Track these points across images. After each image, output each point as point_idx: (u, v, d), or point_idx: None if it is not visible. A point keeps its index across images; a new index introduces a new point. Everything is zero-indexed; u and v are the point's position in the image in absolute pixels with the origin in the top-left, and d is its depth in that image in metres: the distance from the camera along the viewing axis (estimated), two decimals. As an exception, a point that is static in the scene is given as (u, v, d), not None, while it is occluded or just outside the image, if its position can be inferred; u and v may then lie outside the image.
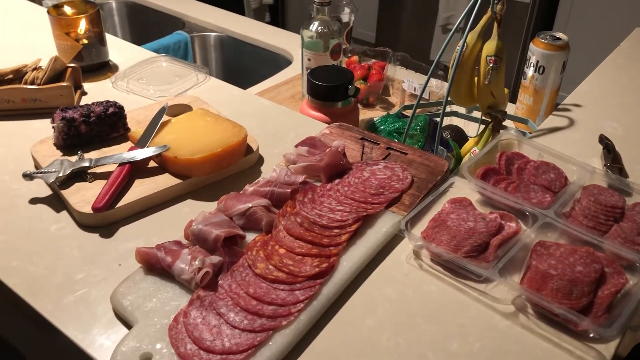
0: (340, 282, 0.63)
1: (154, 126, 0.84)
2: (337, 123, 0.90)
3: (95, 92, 1.01)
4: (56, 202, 0.76)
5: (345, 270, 0.64)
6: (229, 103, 0.96)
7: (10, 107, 0.92)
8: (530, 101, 1.14)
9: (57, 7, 1.04)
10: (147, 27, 2.05)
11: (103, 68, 1.08)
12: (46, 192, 0.78)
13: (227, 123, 0.85)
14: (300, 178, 0.75)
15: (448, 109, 1.14)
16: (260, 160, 0.85)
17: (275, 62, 1.78)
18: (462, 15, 0.90)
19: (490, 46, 0.93)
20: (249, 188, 0.74)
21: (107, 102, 0.84)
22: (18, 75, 0.94)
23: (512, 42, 2.78)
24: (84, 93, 1.00)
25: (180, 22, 1.96)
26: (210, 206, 0.75)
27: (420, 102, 1.22)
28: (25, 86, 0.91)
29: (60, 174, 0.74)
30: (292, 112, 1.01)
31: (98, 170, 0.78)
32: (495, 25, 0.94)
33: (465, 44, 0.94)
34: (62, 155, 0.81)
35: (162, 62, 1.09)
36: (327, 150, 0.79)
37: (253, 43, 1.85)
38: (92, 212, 0.71)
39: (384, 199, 0.73)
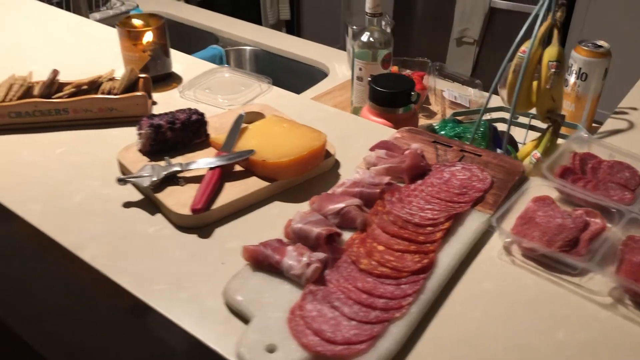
0: (442, 276, 0.65)
1: (236, 132, 0.86)
2: (406, 127, 0.93)
3: (164, 101, 1.04)
4: (149, 205, 0.78)
5: (445, 266, 0.67)
6: (295, 110, 0.99)
7: (88, 117, 0.95)
8: (573, 107, 1.18)
9: (125, 21, 1.07)
10: (180, 43, 2.10)
11: (167, 79, 1.11)
12: (136, 196, 0.80)
13: (304, 128, 0.87)
14: (386, 179, 0.77)
15: (491, 115, 1.17)
16: (336, 163, 0.87)
17: (310, 74, 1.81)
18: (526, 23, 0.93)
19: (551, 52, 0.96)
20: (338, 189, 0.76)
21: (189, 109, 0.87)
22: (93, 85, 0.97)
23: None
24: (154, 103, 1.03)
25: (213, 37, 2.01)
26: (298, 207, 0.78)
27: (471, 109, 1.25)
28: (103, 96, 0.94)
29: (154, 178, 0.77)
30: (355, 118, 1.04)
31: (187, 174, 0.80)
32: (555, 31, 0.97)
33: (528, 51, 0.97)
34: (149, 161, 0.84)
35: (225, 72, 1.12)
36: (407, 152, 0.82)
37: (287, 56, 1.89)
38: (190, 213, 0.73)
39: (469, 198, 0.76)
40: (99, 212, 0.77)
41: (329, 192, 0.77)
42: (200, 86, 1.07)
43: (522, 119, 1.20)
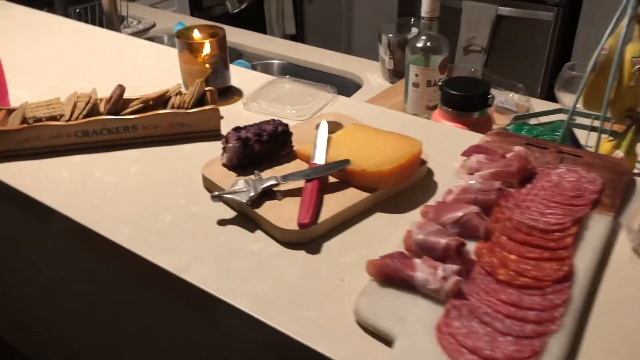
0: (584, 284, 0.61)
1: (323, 142, 0.82)
2: (494, 130, 0.89)
3: (230, 115, 0.99)
4: (245, 221, 0.74)
5: (584, 273, 0.62)
6: (367, 118, 0.95)
7: (157, 133, 0.91)
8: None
9: (184, 32, 1.03)
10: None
11: (227, 92, 1.06)
12: (228, 213, 0.75)
13: (394, 135, 0.83)
14: (497, 184, 0.73)
15: (550, 118, 1.14)
16: (429, 170, 0.83)
17: (344, 86, 1.78)
18: (614, 19, 0.91)
19: (634, 48, 0.93)
20: (448, 197, 0.72)
21: (273, 121, 0.83)
22: (161, 100, 0.93)
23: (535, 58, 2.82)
24: (221, 116, 0.98)
25: (236, 52, 1.97)
26: (403, 218, 0.74)
27: (529, 113, 1.22)
28: (174, 111, 0.90)
29: (252, 193, 0.73)
30: (431, 123, 1.00)
31: (281, 188, 0.76)
32: (637, 27, 0.94)
33: (609, 48, 0.94)
34: (237, 176, 0.79)
35: (285, 83, 1.08)
36: (510, 155, 0.78)
37: (317, 68, 1.86)
38: (297, 228, 0.69)
39: (587, 201, 0.72)
40: (194, 232, 0.72)
41: (439, 200, 0.73)
42: (265, 98, 1.03)
43: (580, 120, 1.18)
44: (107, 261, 0.80)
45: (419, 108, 1.25)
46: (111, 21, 1.45)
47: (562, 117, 1.17)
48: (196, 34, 1.03)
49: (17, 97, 1.04)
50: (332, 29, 3.86)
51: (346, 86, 1.77)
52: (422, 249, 0.64)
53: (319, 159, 0.79)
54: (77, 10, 1.92)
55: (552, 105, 1.42)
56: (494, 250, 0.65)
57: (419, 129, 0.96)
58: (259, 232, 0.72)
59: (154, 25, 2.09)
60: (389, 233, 0.71)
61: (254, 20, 3.67)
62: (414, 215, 0.74)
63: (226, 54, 1.04)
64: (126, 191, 0.81)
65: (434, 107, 1.25)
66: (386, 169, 0.75)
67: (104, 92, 0.94)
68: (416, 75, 1.22)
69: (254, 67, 1.89)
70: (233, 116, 0.99)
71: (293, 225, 0.69)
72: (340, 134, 0.86)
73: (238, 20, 3.28)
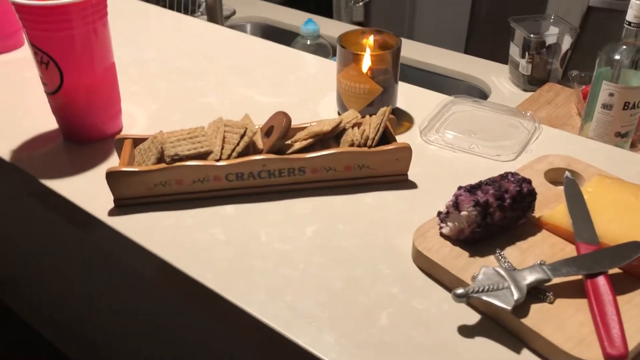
0: None
1: (583, 208, 0.59)
2: None
3: (406, 149, 0.76)
4: (499, 333, 0.51)
5: None
6: (593, 161, 0.71)
7: (329, 177, 0.68)
8: None
9: (350, 37, 0.80)
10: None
11: (398, 117, 0.83)
12: (465, 314, 0.53)
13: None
14: None
15: None
16: None
17: (464, 93, 1.53)
18: None
19: None
20: None
21: (514, 175, 0.59)
22: (333, 134, 0.70)
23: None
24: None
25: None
26: None
27: None
28: (357, 149, 0.67)
29: (517, 296, 0.50)
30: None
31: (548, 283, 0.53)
32: None
33: None
34: (469, 255, 0.56)
35: (466, 104, 0.85)
36: None
37: (427, 69, 1.61)
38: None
39: None
40: (433, 344, 0.50)
41: None
42: (446, 125, 0.80)
43: None
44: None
45: (606, 134, 1.01)
46: (214, 12, 1.22)
47: None
48: (363, 41, 0.80)
49: (129, 114, 0.83)
50: (396, 18, 3.59)
51: (469, 93, 1.52)
52: None
53: (589, 237, 0.56)
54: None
55: None
56: None
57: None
58: (527, 354, 0.49)
59: (234, 13, 1.87)
60: None
61: (319, 5, 3.42)
62: None
63: (398, 68, 0.81)
64: (308, 267, 0.59)
65: (625, 135, 1.01)
66: None
67: (240, 112, 0.72)
68: (611, 94, 0.97)
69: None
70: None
71: (593, 354, 0.46)
72: (591, 192, 0.63)
73: (304, 4, 3.04)
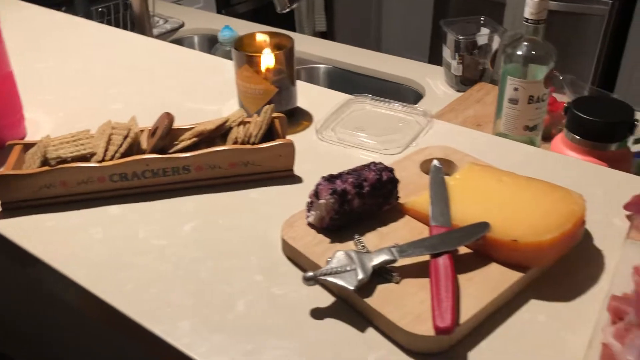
0: None
1: (443, 194, 0.61)
2: (660, 173, 0.68)
3: (300, 147, 0.78)
4: (351, 313, 0.53)
5: None
6: (478, 151, 0.74)
7: (214, 175, 0.70)
8: None
9: (244, 40, 0.83)
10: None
11: (293, 116, 0.86)
12: (322, 296, 0.55)
13: (540, 184, 0.62)
14: None
15: None
16: (586, 233, 0.62)
17: (401, 95, 1.56)
18: None
19: None
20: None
21: (375, 165, 0.62)
22: (218, 132, 0.72)
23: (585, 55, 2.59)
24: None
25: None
26: (570, 309, 0.53)
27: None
28: (239, 147, 0.69)
29: (361, 276, 0.52)
30: (569, 159, 0.78)
31: (397, 263, 0.55)
32: None
33: None
34: (330, 242, 0.58)
35: (364, 103, 0.87)
36: None
37: (369, 74, 1.64)
38: (432, 334, 0.48)
39: None
40: (284, 328, 0.52)
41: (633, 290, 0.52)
42: (342, 123, 0.82)
43: None
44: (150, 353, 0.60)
45: (515, 128, 1.03)
46: (142, 23, 1.24)
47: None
48: (258, 44, 0.83)
49: (35, 122, 0.85)
50: (361, 25, 3.64)
51: (405, 95, 1.55)
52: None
53: (443, 220, 0.58)
54: (100, 10, 1.73)
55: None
56: None
57: (546, 164, 0.74)
58: (371, 332, 0.51)
59: (182, 25, 1.89)
60: (559, 336, 0.50)
61: (282, 18, 3.46)
62: (586, 306, 0.53)
63: (293, 68, 0.83)
64: (182, 261, 0.60)
65: (533, 128, 1.04)
66: (547, 240, 0.54)
67: (145, 117, 0.74)
68: (515, 89, 1.00)
69: (297, 73, 1.68)
70: (305, 149, 0.78)
71: (426, 329, 0.48)
72: (459, 179, 0.65)
73: (264, 17, 3.07)
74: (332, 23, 3.66)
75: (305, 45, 1.71)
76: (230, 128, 0.72)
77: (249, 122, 0.73)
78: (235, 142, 0.70)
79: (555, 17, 2.82)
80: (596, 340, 0.47)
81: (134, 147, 0.69)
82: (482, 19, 1.53)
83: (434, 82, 1.53)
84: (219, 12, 2.86)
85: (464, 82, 1.46)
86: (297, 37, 1.80)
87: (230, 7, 3.05)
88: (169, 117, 0.69)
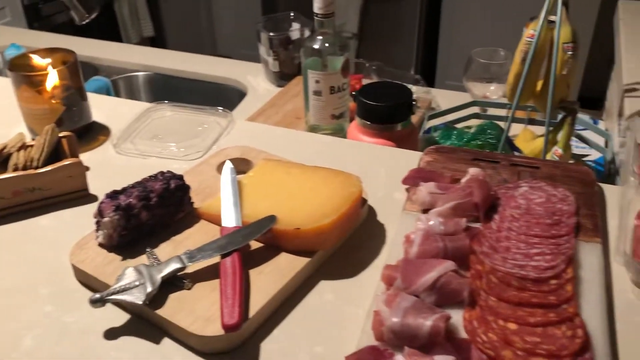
0: (604, 348, 0.48)
1: (233, 193, 0.63)
2: (434, 147, 0.75)
3: (97, 164, 0.76)
4: (146, 328, 0.53)
5: (599, 331, 0.49)
6: (279, 147, 0.77)
7: (-1, 206, 0.66)
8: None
9: (19, 61, 0.78)
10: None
11: (89, 132, 0.83)
12: (117, 317, 0.54)
13: (324, 172, 0.66)
14: (463, 222, 0.59)
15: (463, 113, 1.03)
16: (370, 210, 0.67)
17: (224, 95, 1.57)
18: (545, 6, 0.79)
19: (564, 32, 0.83)
20: (411, 249, 0.56)
21: (162, 174, 0.61)
22: (-2, 160, 0.68)
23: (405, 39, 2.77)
24: (86, 169, 0.75)
25: (91, 68, 1.68)
26: (354, 285, 0.57)
27: (444, 110, 1.10)
28: (20, 173, 0.65)
29: (149, 289, 0.52)
30: (353, 143, 0.83)
31: (189, 269, 0.55)
32: (564, 9, 0.84)
33: (537, 35, 0.83)
34: (122, 259, 0.57)
35: (164, 110, 0.86)
36: (469, 180, 0.64)
37: (190, 77, 1.63)
38: (222, 333, 0.49)
39: (568, 228, 0.59)
40: (77, 355, 0.50)
41: (402, 257, 0.57)
42: (141, 134, 0.81)
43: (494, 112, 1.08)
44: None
45: (324, 119, 1.09)
46: None
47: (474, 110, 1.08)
48: (37, 61, 0.78)
49: None
50: (194, 30, 3.60)
51: (228, 95, 1.56)
52: (400, 338, 0.48)
53: (233, 219, 0.60)
54: None
55: (458, 96, 1.33)
56: (487, 320, 0.50)
57: (341, 154, 0.79)
58: (167, 342, 0.52)
59: (14, 45, 1.73)
60: (344, 311, 0.54)
61: (105, 26, 3.30)
62: (369, 279, 0.57)
63: (81, 83, 0.80)
64: (-40, 305, 0.56)
65: (340, 116, 1.10)
66: (327, 223, 0.57)
67: None
68: (317, 82, 1.05)
69: (114, 83, 1.62)
70: (102, 165, 0.76)
71: (216, 329, 0.50)
72: (252, 176, 0.67)
73: (86, 28, 2.91)
74: (162, 28, 3.56)
75: (126, 54, 1.66)
76: (10, 154, 0.68)
77: (31, 145, 0.69)
78: (16, 169, 0.66)
79: (374, 4, 2.99)
80: (372, 309, 0.51)
81: None
82: (292, 14, 1.58)
83: (256, 79, 1.55)
84: (30, 26, 2.65)
85: (282, 77, 1.49)
86: (113, 46, 1.73)
87: (43, 20, 2.84)
88: None
